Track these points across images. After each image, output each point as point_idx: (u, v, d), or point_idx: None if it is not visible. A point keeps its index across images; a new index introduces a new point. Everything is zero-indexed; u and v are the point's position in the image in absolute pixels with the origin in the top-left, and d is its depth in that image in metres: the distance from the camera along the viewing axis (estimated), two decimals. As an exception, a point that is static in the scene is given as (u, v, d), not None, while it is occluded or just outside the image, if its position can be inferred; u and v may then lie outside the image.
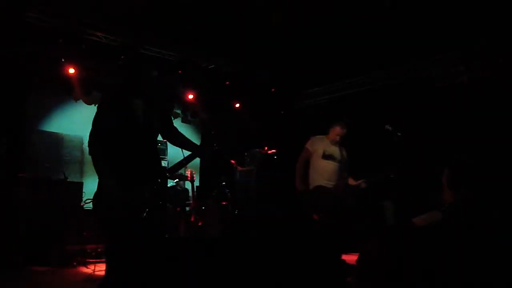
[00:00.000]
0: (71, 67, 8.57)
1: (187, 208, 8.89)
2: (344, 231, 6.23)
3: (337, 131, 6.27)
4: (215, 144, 4.03)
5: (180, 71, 9.77)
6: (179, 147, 3.97)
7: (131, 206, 3.53)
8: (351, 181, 6.33)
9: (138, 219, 3.57)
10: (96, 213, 3.65)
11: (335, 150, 6.29)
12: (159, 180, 3.72)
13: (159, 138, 4.03)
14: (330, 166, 6.19)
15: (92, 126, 3.61)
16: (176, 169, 3.91)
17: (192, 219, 8.40)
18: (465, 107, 8.42)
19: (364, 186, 6.22)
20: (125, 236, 3.65)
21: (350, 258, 6.08)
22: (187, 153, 4.07)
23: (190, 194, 8.96)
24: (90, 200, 3.81)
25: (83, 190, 7.78)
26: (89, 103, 9.17)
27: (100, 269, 5.86)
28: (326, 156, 6.20)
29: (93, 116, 3.63)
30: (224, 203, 9.55)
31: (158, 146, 4.18)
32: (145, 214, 3.57)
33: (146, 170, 3.66)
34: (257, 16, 7.61)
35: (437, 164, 7.83)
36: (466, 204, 7.60)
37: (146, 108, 3.73)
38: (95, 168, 3.57)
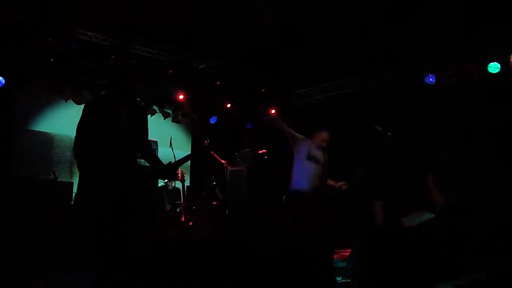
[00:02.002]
0: (60, 67, 8.50)
1: (178, 208, 8.88)
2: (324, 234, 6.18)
3: (323, 136, 6.16)
4: (207, 141, 4.16)
5: (170, 71, 9.77)
6: (147, 161, 4.30)
7: (113, 205, 3.79)
8: (332, 183, 6.27)
9: (121, 218, 3.84)
10: (78, 212, 3.86)
11: (319, 154, 6.18)
12: (141, 181, 3.98)
13: (150, 138, 4.25)
14: (313, 168, 6.06)
15: (77, 131, 3.90)
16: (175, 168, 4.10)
17: (183, 219, 8.40)
18: (452, 108, 8.52)
19: (345, 188, 6.15)
20: (109, 235, 3.83)
21: (340, 257, 6.13)
22: (178, 154, 4.25)
23: (181, 194, 8.96)
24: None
25: (73, 190, 7.75)
26: (79, 102, 9.13)
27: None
28: (311, 157, 6.07)
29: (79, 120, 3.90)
30: (214, 203, 9.56)
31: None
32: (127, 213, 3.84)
33: (127, 172, 3.91)
34: (248, 16, 7.62)
35: (425, 164, 7.93)
36: (459, 205, 7.70)
37: (127, 117, 3.99)
38: (79, 170, 3.89)
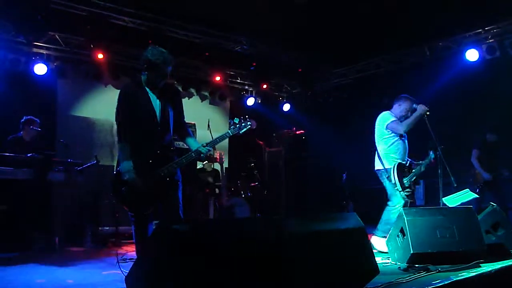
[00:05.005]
0: (99, 53, 8.64)
1: (217, 190, 8.98)
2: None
3: (407, 105, 5.89)
4: (246, 118, 4.17)
5: (207, 53, 9.80)
6: (183, 142, 4.35)
7: (147, 186, 3.91)
8: None
9: (154, 199, 3.99)
10: (115, 193, 3.96)
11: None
12: (175, 162, 4.06)
13: (188, 121, 4.35)
14: (404, 144, 5.92)
15: (116, 118, 4.04)
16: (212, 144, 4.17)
17: (222, 200, 8.49)
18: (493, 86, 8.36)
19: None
20: (144, 215, 4.04)
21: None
22: (215, 135, 4.30)
23: (220, 175, 9.05)
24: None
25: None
26: (118, 87, 9.29)
27: (132, 250, 5.99)
28: (402, 134, 5.90)
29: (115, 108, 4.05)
30: (253, 184, 9.62)
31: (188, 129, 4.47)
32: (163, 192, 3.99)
33: (161, 154, 4.02)
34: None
35: (465, 144, 7.81)
36: (501, 181, 7.55)
37: (161, 99, 4.09)
38: (120, 155, 4.03)
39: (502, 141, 7.82)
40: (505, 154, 7.85)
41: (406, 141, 5.97)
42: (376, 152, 5.98)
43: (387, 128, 5.86)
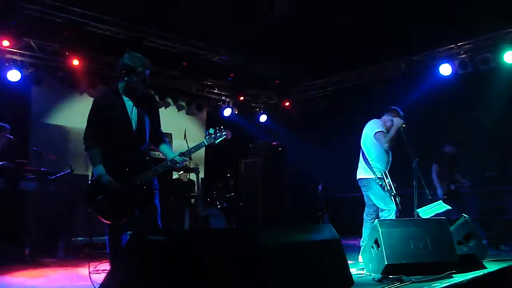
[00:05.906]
0: (75, 60, 8.55)
1: (192, 200, 8.93)
2: None
3: (399, 122, 5.69)
4: (221, 128, 4.18)
5: (184, 63, 9.78)
6: (159, 150, 4.35)
7: (123, 195, 3.86)
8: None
9: (131, 208, 3.94)
10: (90, 203, 3.91)
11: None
12: (152, 170, 4.02)
13: (165, 131, 4.41)
14: (389, 157, 5.79)
15: (87, 123, 4.00)
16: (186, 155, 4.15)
17: (197, 210, 8.45)
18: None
19: None
20: (118, 225, 3.99)
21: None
22: (191, 144, 4.28)
23: (195, 186, 9.01)
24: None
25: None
26: (94, 95, 9.19)
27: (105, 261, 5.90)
28: (390, 147, 5.76)
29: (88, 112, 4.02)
30: (228, 194, 9.60)
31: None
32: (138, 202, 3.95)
33: (137, 163, 3.99)
34: (261, 8, 7.60)
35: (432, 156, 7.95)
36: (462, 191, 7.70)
37: (138, 107, 4.06)
38: (91, 162, 3.96)
39: (472, 153, 7.99)
40: (471, 166, 8.05)
41: (391, 154, 5.84)
42: (363, 160, 5.79)
43: (374, 136, 5.72)
